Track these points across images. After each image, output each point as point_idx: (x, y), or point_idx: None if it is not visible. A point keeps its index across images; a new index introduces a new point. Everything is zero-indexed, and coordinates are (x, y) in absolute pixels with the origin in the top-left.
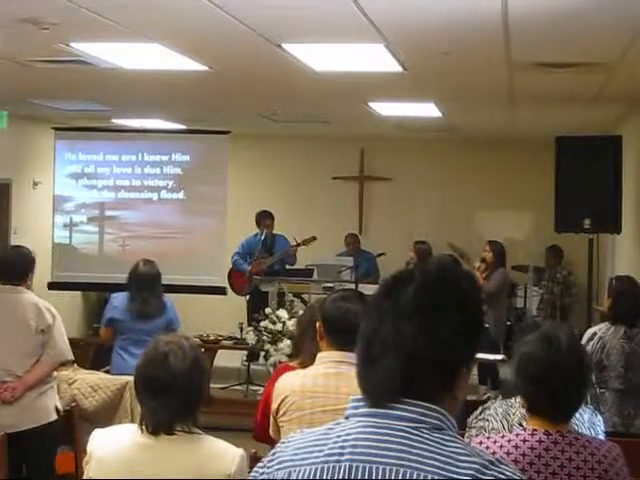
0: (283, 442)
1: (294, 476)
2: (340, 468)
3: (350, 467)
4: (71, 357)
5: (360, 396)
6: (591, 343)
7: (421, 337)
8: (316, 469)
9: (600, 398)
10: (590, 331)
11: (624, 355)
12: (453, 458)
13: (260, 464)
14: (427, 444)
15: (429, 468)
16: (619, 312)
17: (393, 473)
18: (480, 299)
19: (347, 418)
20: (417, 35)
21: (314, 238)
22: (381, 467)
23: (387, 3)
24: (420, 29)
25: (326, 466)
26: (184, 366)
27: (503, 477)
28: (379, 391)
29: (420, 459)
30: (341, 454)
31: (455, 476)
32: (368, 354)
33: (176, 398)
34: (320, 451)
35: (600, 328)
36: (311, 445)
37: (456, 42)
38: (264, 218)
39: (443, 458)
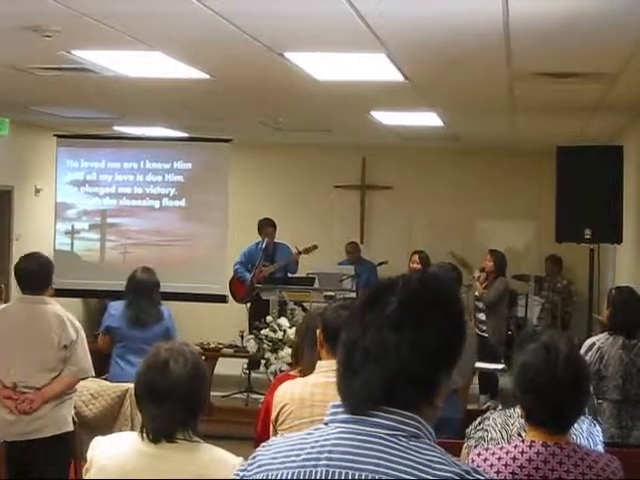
0: (264, 446)
1: (272, 478)
2: (317, 473)
3: (327, 472)
4: (92, 374)
5: (339, 402)
6: (590, 353)
7: (404, 348)
8: (293, 473)
9: (598, 409)
10: (589, 341)
11: (622, 366)
12: (429, 466)
13: (241, 467)
14: (404, 452)
15: (405, 475)
16: (618, 323)
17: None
18: (462, 310)
19: (326, 424)
20: (419, 45)
21: (315, 247)
22: (357, 473)
23: (389, 13)
24: (422, 39)
25: (303, 470)
26: (185, 372)
27: None
28: (359, 399)
29: (396, 466)
30: (318, 459)
31: None
32: (350, 363)
33: (177, 405)
34: (298, 455)
35: (599, 338)
36: (290, 449)
37: (458, 52)
38: (266, 226)
39: (419, 466)
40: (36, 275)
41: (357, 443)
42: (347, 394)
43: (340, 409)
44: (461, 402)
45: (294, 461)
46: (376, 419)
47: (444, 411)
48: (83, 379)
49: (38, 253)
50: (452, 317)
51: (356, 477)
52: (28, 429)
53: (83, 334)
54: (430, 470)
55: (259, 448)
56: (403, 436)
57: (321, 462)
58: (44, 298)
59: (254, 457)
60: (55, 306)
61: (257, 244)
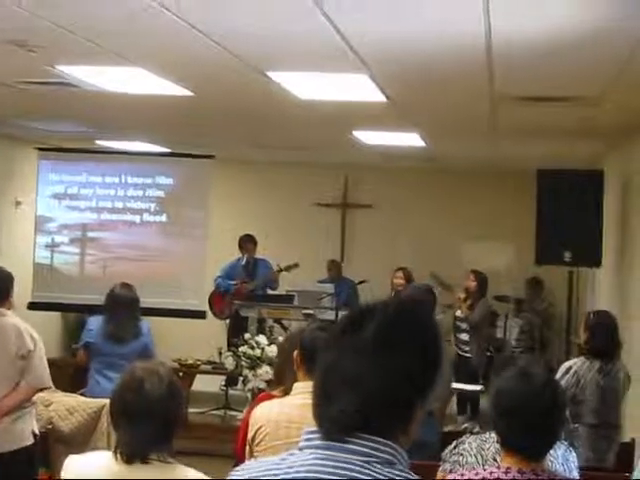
0: (237, 470)
1: None
2: None
3: None
4: (50, 384)
5: (314, 428)
6: (566, 377)
7: (380, 374)
8: None
9: (574, 433)
10: (566, 365)
11: (599, 390)
12: None
13: None
14: (377, 478)
15: None
16: (595, 347)
17: None
18: (439, 337)
19: (301, 449)
20: (401, 66)
21: (296, 265)
22: None
23: (371, 34)
24: (404, 60)
25: None
26: (160, 392)
27: None
28: (334, 425)
29: None
30: None
31: None
32: (326, 388)
33: (152, 425)
34: (268, 478)
35: (575, 362)
36: (263, 473)
37: (440, 74)
38: (246, 242)
39: None
40: None
41: (331, 470)
42: (323, 420)
43: (315, 435)
44: (437, 425)
45: None
46: (351, 445)
47: (420, 434)
48: (41, 390)
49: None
50: (429, 344)
51: None
52: None
53: (41, 345)
54: None
55: (232, 472)
56: (377, 462)
57: None
58: (2, 310)
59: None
60: (13, 318)
61: (238, 260)
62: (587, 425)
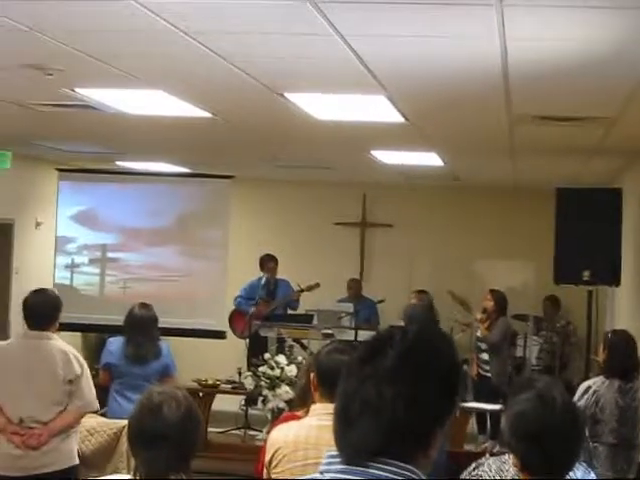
0: None
1: None
2: None
3: None
4: (97, 407)
5: (335, 452)
6: (585, 397)
7: (401, 401)
8: None
9: (593, 452)
10: (585, 385)
11: (618, 409)
12: None
13: None
14: None
15: None
16: (614, 366)
17: None
18: (457, 363)
19: (321, 473)
20: (418, 87)
21: (318, 285)
22: None
23: (388, 56)
24: (421, 81)
25: None
26: (177, 416)
27: None
28: (355, 450)
29: None
30: None
31: None
32: (347, 414)
33: (169, 449)
34: None
35: (595, 382)
36: None
37: (457, 95)
38: (268, 261)
39: None
40: (40, 310)
41: None
42: (343, 445)
43: (336, 459)
44: (443, 444)
45: None
46: (372, 470)
47: None
48: (88, 413)
49: (47, 289)
50: (448, 371)
51: None
52: (35, 464)
53: (87, 369)
54: None
55: None
56: None
57: None
58: (49, 334)
59: None
60: (59, 341)
61: (259, 279)
62: (606, 444)
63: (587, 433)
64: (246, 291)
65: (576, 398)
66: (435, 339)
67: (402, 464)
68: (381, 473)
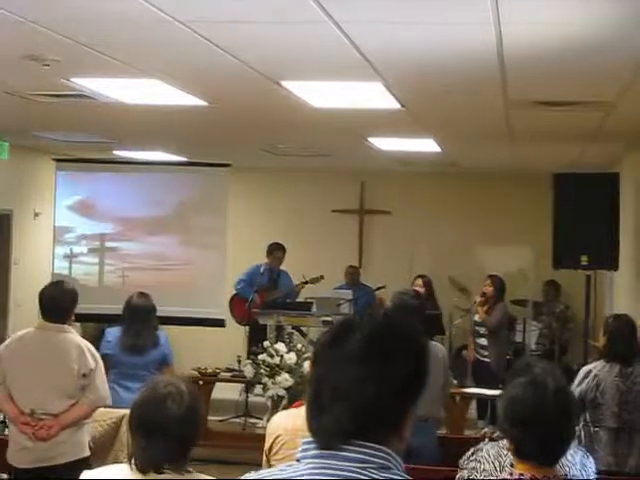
0: None
1: None
2: None
3: None
4: (109, 402)
5: (310, 439)
6: (586, 381)
7: (370, 383)
8: None
9: (594, 437)
10: (585, 369)
11: (619, 393)
12: None
13: None
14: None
15: None
16: (614, 350)
17: None
18: (425, 343)
19: (298, 460)
20: (414, 74)
21: (322, 277)
22: None
23: (384, 43)
24: (417, 68)
25: None
26: (179, 411)
27: None
28: (329, 434)
29: None
30: None
31: None
32: (318, 400)
33: (167, 442)
34: None
35: (595, 366)
36: None
37: (453, 81)
38: (277, 250)
39: None
40: (56, 303)
41: (328, 478)
42: (316, 430)
43: (311, 445)
44: (434, 430)
45: None
46: (346, 453)
47: (416, 440)
48: (100, 407)
49: (64, 281)
50: (415, 352)
51: None
52: (46, 456)
53: (101, 363)
54: None
55: None
56: (373, 468)
57: None
58: (64, 327)
59: None
60: (75, 335)
61: (258, 267)
62: (607, 429)
63: (588, 418)
64: (248, 276)
65: (576, 382)
66: (400, 322)
67: (376, 446)
68: (355, 456)
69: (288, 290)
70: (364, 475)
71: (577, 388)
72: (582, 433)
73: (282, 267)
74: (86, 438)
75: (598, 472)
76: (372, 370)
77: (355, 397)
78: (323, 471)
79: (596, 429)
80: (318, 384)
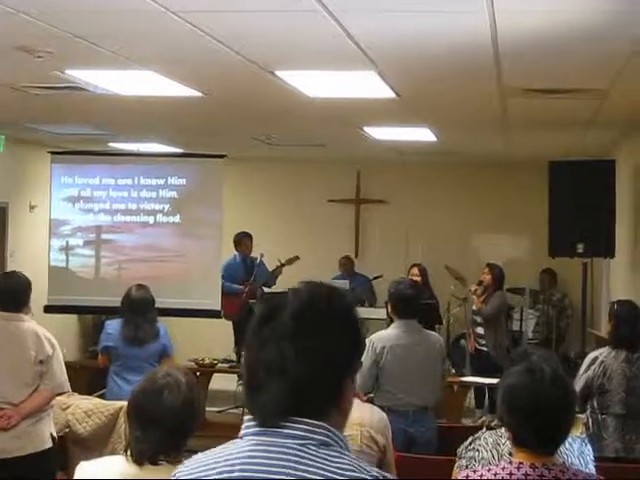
0: (184, 463)
1: None
2: None
3: None
4: (68, 389)
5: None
6: (593, 367)
7: (302, 358)
8: None
9: (602, 424)
10: (591, 355)
11: (625, 379)
12: (338, 473)
13: None
14: (313, 460)
15: None
16: (620, 336)
17: None
18: (354, 315)
19: (241, 437)
20: (408, 62)
21: (297, 257)
22: None
23: (377, 31)
24: (411, 57)
25: None
26: (176, 403)
27: None
28: (267, 412)
29: (306, 474)
30: (232, 471)
31: None
32: (254, 380)
33: (162, 433)
34: (214, 469)
35: (601, 352)
36: (206, 464)
37: (447, 69)
38: (245, 238)
39: (328, 473)
40: (10, 293)
41: (268, 454)
42: (255, 409)
43: (252, 422)
44: (432, 420)
45: (210, 475)
46: (285, 430)
47: (414, 430)
48: (60, 394)
49: (17, 272)
50: (345, 323)
51: None
52: (9, 447)
53: (59, 350)
54: (339, 477)
55: (180, 465)
56: (313, 444)
57: (234, 475)
58: (21, 315)
59: (174, 475)
60: (31, 323)
61: (234, 258)
62: (615, 415)
63: (595, 405)
64: (226, 270)
65: (583, 369)
66: (329, 294)
67: (314, 422)
68: (295, 432)
69: (265, 277)
70: (302, 452)
71: (584, 375)
72: (590, 420)
73: (254, 255)
74: (47, 429)
75: (607, 459)
76: (303, 346)
77: (289, 374)
78: (263, 447)
79: (603, 416)
80: (252, 365)
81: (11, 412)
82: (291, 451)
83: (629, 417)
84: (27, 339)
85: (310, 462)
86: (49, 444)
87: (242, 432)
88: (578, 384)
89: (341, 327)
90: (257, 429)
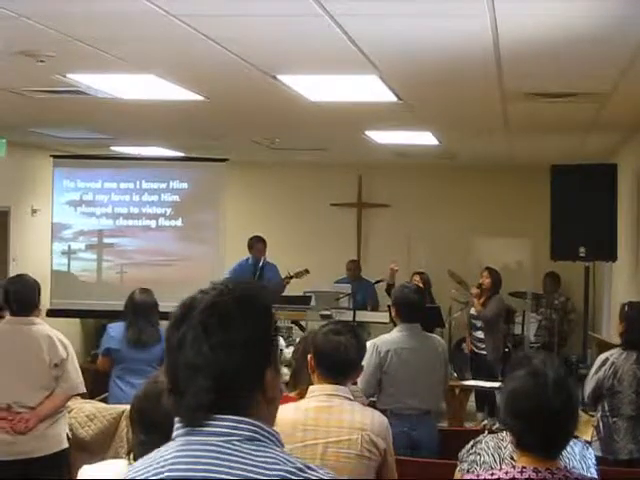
0: (130, 469)
1: None
2: None
3: None
4: (83, 390)
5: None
6: (603, 369)
7: (217, 355)
8: None
9: (613, 427)
10: (602, 356)
11: (636, 381)
12: (262, 467)
13: None
14: (237, 455)
15: (237, 478)
16: (631, 338)
17: None
18: (265, 305)
19: (173, 439)
20: (410, 66)
21: (307, 271)
22: None
23: (379, 35)
24: (413, 60)
25: None
26: None
27: (313, 478)
28: (191, 411)
29: (229, 470)
30: (161, 472)
31: None
32: (176, 381)
33: (164, 437)
34: (148, 472)
35: (612, 354)
36: (142, 467)
37: (449, 73)
38: (257, 242)
39: (252, 468)
40: (25, 297)
41: (192, 453)
42: (179, 410)
43: (180, 424)
44: (434, 424)
45: (144, 476)
46: (209, 428)
47: (418, 432)
48: (75, 396)
49: (25, 275)
50: (256, 313)
51: None
52: (25, 449)
53: (73, 352)
54: (263, 470)
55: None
56: (237, 440)
57: (164, 475)
58: (33, 319)
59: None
60: (44, 326)
61: (247, 260)
62: (626, 417)
63: (606, 407)
64: (236, 271)
65: (593, 370)
66: (236, 290)
67: (239, 418)
68: (219, 430)
69: (274, 284)
70: (227, 448)
71: (594, 376)
72: (600, 424)
73: (270, 261)
74: (63, 430)
75: (621, 462)
76: (216, 342)
77: (207, 371)
78: (188, 446)
79: (614, 419)
80: (172, 367)
81: (28, 416)
82: (214, 448)
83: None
84: (40, 343)
85: (233, 458)
86: (65, 444)
87: (173, 434)
88: (589, 385)
89: (251, 319)
90: (183, 430)
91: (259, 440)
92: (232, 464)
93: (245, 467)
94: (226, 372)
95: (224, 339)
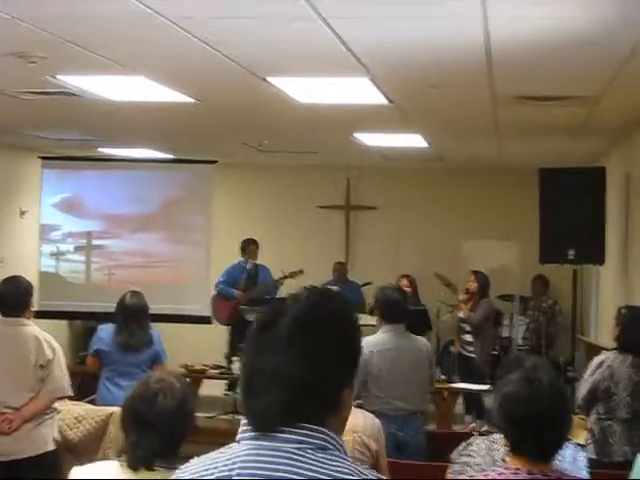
0: (181, 468)
1: None
2: None
3: None
4: (70, 392)
5: (247, 421)
6: (599, 371)
7: (298, 365)
8: None
9: (608, 430)
10: (598, 359)
11: (632, 383)
12: (337, 477)
13: None
14: (311, 464)
15: None
16: (627, 341)
17: None
18: (350, 320)
19: (238, 442)
20: (401, 69)
21: (301, 271)
22: None
23: (370, 38)
24: (404, 63)
25: None
26: (170, 407)
27: None
28: (264, 417)
29: (307, 473)
30: (230, 476)
31: None
32: (251, 387)
33: (158, 437)
34: (212, 474)
35: (608, 356)
36: (204, 468)
37: (440, 76)
38: (250, 245)
39: (326, 477)
40: (12, 297)
41: (265, 458)
42: (251, 413)
43: (249, 427)
44: (421, 425)
45: (208, 476)
46: (282, 434)
47: (405, 433)
48: (61, 398)
49: (18, 276)
50: (343, 327)
51: None
52: (10, 449)
53: (61, 354)
54: (340, 477)
55: (177, 471)
56: (310, 448)
57: (233, 476)
58: (23, 320)
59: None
60: (33, 327)
61: (239, 263)
62: (620, 420)
63: (601, 410)
64: (229, 275)
65: (589, 372)
66: (328, 303)
67: (313, 426)
68: (292, 437)
69: (265, 287)
70: (300, 455)
71: (590, 378)
72: (595, 427)
73: (262, 263)
74: (50, 432)
75: (616, 464)
76: (301, 352)
77: (287, 380)
78: (260, 451)
79: (609, 423)
80: (248, 371)
81: (12, 416)
82: (288, 454)
83: (635, 421)
84: (28, 343)
85: (308, 465)
86: (51, 447)
87: (239, 436)
88: (584, 387)
89: (337, 333)
90: (253, 434)
91: (330, 449)
92: (307, 472)
93: (320, 476)
94: (305, 386)
95: (307, 354)
